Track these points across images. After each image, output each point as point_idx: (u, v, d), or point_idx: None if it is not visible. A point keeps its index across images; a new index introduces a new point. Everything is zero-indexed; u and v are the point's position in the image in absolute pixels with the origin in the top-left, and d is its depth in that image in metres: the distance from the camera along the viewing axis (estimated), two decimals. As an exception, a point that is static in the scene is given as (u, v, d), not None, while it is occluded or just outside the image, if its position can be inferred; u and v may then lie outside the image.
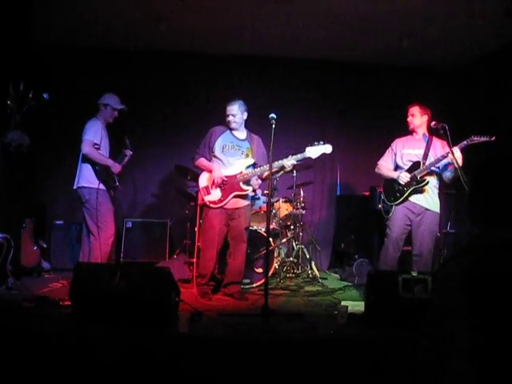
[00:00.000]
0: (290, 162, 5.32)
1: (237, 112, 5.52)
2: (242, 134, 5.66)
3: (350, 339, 3.98)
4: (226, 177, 5.45)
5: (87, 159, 5.50)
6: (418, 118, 5.58)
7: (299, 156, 5.31)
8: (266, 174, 5.43)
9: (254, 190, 6.92)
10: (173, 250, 7.30)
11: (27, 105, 5.00)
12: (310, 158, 5.33)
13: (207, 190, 5.48)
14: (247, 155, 5.61)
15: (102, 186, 5.53)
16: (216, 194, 5.45)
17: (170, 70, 7.97)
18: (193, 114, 7.74)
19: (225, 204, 5.45)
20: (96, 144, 5.53)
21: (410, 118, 5.63)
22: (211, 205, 5.45)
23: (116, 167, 5.62)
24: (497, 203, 1.77)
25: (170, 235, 7.38)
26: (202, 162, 5.55)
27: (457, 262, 1.72)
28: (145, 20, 6.79)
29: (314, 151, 5.28)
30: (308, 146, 5.31)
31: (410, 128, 5.65)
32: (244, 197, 5.61)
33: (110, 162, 5.60)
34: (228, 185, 5.45)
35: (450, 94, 8.38)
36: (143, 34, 7.30)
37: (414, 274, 4.34)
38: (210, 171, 5.49)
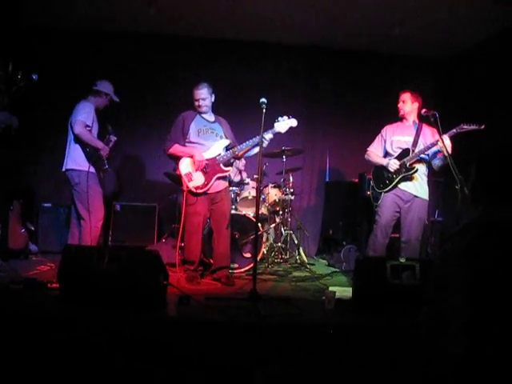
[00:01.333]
0: (266, 136, 5.36)
1: (206, 95, 5.52)
2: (210, 116, 5.69)
3: (337, 324, 3.99)
4: (207, 160, 5.45)
5: (78, 140, 5.46)
6: (408, 105, 5.59)
7: (269, 131, 5.38)
8: (242, 152, 5.56)
9: (241, 173, 6.96)
10: (161, 234, 7.30)
11: (15, 86, 4.94)
12: (279, 132, 5.45)
13: (190, 176, 5.44)
14: (221, 137, 5.63)
15: (92, 169, 5.50)
16: (199, 179, 5.43)
17: (159, 52, 7.91)
18: (181, 97, 7.70)
19: (209, 188, 5.45)
20: (88, 126, 5.50)
21: (400, 104, 5.64)
22: (197, 190, 5.42)
23: (105, 149, 5.58)
24: (498, 185, 1.88)
25: (158, 219, 7.37)
26: (178, 148, 5.50)
27: (459, 238, 1.78)
28: (134, 3, 6.73)
29: (281, 126, 5.43)
30: (275, 121, 5.40)
31: (400, 114, 5.66)
32: (225, 178, 5.64)
33: (100, 145, 5.56)
34: (210, 168, 5.45)
35: (440, 82, 8.43)
36: (132, 17, 7.24)
37: (402, 260, 4.36)
38: (191, 156, 5.46)
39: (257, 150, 5.56)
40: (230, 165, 5.69)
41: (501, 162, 1.89)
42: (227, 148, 5.60)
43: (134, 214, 7.38)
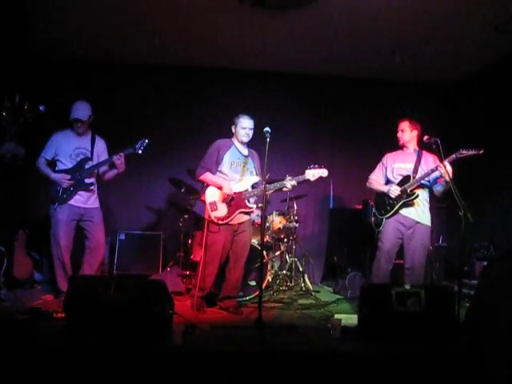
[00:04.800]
0: (291, 183, 5.46)
1: (253, 127, 5.59)
2: (245, 149, 5.68)
3: (344, 352, 3.99)
4: (234, 193, 5.47)
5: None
6: (407, 134, 5.64)
7: (300, 178, 5.47)
8: (268, 192, 5.57)
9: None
10: (166, 263, 7.30)
11: (23, 117, 5.01)
12: (308, 180, 5.48)
13: (215, 206, 5.44)
14: (251, 172, 5.65)
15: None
16: (223, 210, 5.43)
17: (165, 83, 8.01)
18: (187, 128, 7.79)
19: (230, 220, 5.45)
20: (46, 158, 5.67)
21: (399, 134, 5.69)
22: (218, 221, 5.42)
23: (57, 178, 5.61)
24: None
25: (163, 248, 7.37)
26: (208, 176, 5.50)
27: (502, 265, 1.76)
28: (140, 35, 6.84)
29: (312, 174, 5.45)
30: (307, 168, 5.45)
31: (400, 143, 5.71)
32: (247, 212, 5.63)
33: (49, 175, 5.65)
34: (235, 201, 5.45)
35: (441, 108, 8.48)
36: (139, 48, 7.35)
37: (407, 287, 4.36)
38: (219, 187, 5.48)
39: (279, 190, 5.64)
40: (254, 203, 5.68)
41: None
42: (254, 185, 5.62)
43: (138, 243, 7.39)
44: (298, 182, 5.51)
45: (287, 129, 7.87)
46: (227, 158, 5.52)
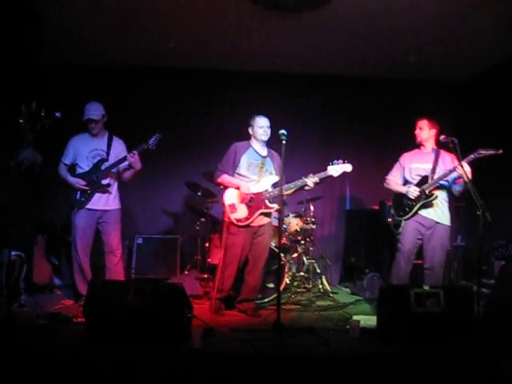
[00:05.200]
0: (312, 180, 5.40)
1: (269, 125, 5.58)
2: (264, 150, 5.68)
3: (363, 354, 3.99)
4: (253, 194, 5.47)
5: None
6: (425, 132, 5.62)
7: (322, 174, 5.41)
8: (287, 192, 5.51)
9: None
10: (183, 266, 7.32)
11: (39, 124, 5.05)
12: (331, 176, 5.42)
13: (234, 208, 5.45)
14: (270, 173, 5.64)
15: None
16: (242, 212, 5.44)
17: (178, 86, 8.03)
18: (201, 131, 7.80)
19: (251, 222, 5.45)
20: (65, 164, 5.73)
21: (417, 131, 5.67)
22: (238, 223, 5.43)
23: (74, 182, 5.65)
24: None
25: (180, 251, 7.40)
26: (226, 178, 5.52)
27: None
28: (153, 39, 6.88)
29: (335, 169, 5.40)
30: (329, 164, 5.41)
31: (418, 141, 5.69)
32: (268, 214, 5.62)
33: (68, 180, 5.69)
34: (254, 202, 5.44)
35: (458, 106, 8.42)
36: (152, 52, 7.38)
37: (426, 287, 4.35)
38: (238, 188, 5.48)
39: (302, 189, 5.62)
40: (274, 202, 5.58)
41: None
42: (275, 185, 5.57)
43: (156, 247, 7.42)
44: (321, 179, 5.45)
45: (303, 131, 7.86)
46: (244, 160, 5.53)
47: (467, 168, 5.18)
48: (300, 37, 6.83)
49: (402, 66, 7.61)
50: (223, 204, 5.52)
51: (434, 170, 5.53)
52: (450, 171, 5.31)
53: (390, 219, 5.92)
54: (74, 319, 4.69)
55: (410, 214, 5.52)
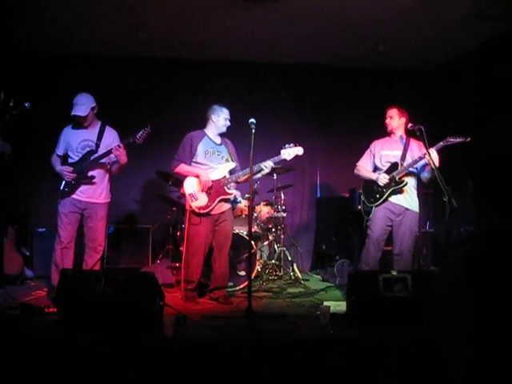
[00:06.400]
0: (267, 164, 5.47)
1: None
2: (218, 138, 5.76)
3: (333, 338, 4.04)
4: (212, 181, 5.51)
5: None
6: (395, 120, 5.70)
7: (276, 158, 5.53)
8: (245, 177, 5.59)
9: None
10: (156, 255, 7.32)
11: (8, 114, 4.99)
12: (285, 159, 5.56)
13: (194, 196, 5.50)
14: (227, 160, 5.70)
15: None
16: (203, 199, 5.49)
17: (150, 75, 8.02)
18: (173, 119, 7.78)
19: (212, 209, 5.50)
20: (57, 154, 5.59)
21: (388, 120, 5.75)
22: (200, 210, 5.47)
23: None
24: (497, 194, 1.87)
25: (152, 240, 7.40)
26: (184, 167, 5.56)
27: (457, 250, 1.80)
28: (124, 28, 6.83)
29: (287, 153, 5.53)
30: (282, 148, 5.52)
31: (389, 129, 5.77)
32: (227, 200, 5.69)
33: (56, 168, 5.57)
34: (214, 189, 5.51)
35: (426, 94, 8.53)
36: (123, 42, 7.34)
37: (394, 273, 4.41)
38: (196, 176, 5.52)
39: (256, 176, 5.69)
40: (233, 188, 5.75)
41: (497, 170, 1.90)
42: (232, 171, 5.68)
43: (128, 236, 7.41)
44: (276, 163, 5.57)
45: (272, 119, 7.90)
46: (201, 148, 5.59)
47: (435, 155, 5.27)
48: (269, 25, 6.85)
49: (372, 54, 7.68)
50: (183, 194, 5.57)
51: (403, 157, 5.61)
52: (420, 158, 5.40)
53: (360, 206, 5.99)
54: (45, 309, 4.67)
55: (381, 200, 5.60)
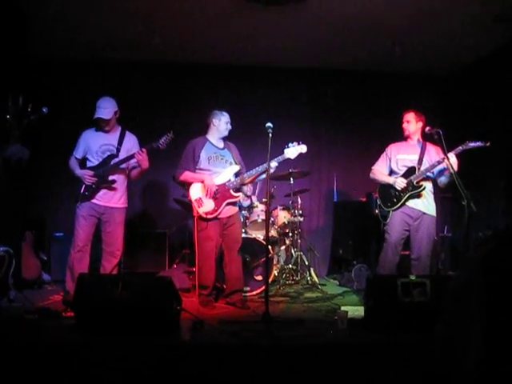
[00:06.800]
0: (272, 164, 5.42)
1: None
2: (220, 143, 5.77)
3: (350, 344, 4.02)
4: (217, 186, 5.53)
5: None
6: (413, 124, 5.66)
7: (280, 158, 5.51)
8: (250, 179, 5.66)
9: (250, 197, 7.02)
10: (172, 260, 7.33)
11: (26, 119, 5.03)
12: (289, 158, 5.54)
13: (201, 202, 5.51)
14: (231, 163, 5.72)
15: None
16: (210, 204, 5.50)
17: (167, 80, 8.03)
18: (189, 124, 7.79)
19: (219, 213, 5.51)
20: (76, 157, 5.59)
21: (405, 125, 5.71)
22: (208, 216, 5.48)
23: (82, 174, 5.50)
24: None
25: (169, 245, 7.40)
26: (189, 174, 5.59)
27: (478, 251, 1.78)
28: (139, 34, 6.86)
29: (291, 152, 5.52)
30: (285, 147, 5.51)
31: (406, 134, 5.73)
32: (235, 203, 5.71)
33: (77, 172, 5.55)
34: (220, 193, 5.52)
35: (443, 99, 8.48)
36: (138, 47, 7.36)
37: (413, 277, 4.38)
38: (201, 182, 5.54)
39: (263, 176, 5.67)
40: (240, 190, 5.78)
41: None
42: (237, 174, 5.69)
43: (145, 241, 7.40)
44: (279, 162, 5.53)
45: (289, 124, 7.88)
46: (204, 154, 5.61)
47: (454, 159, 5.23)
48: (285, 29, 6.83)
49: (389, 58, 7.63)
50: (190, 200, 5.58)
51: (420, 162, 5.58)
52: (438, 162, 5.36)
53: (377, 211, 5.95)
54: (62, 313, 4.69)
55: (398, 204, 5.56)
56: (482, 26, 6.47)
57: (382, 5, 6.06)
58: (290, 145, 5.50)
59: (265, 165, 5.39)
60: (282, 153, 5.50)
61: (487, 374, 1.65)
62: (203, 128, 5.79)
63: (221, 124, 5.69)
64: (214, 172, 5.61)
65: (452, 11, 6.17)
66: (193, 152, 5.62)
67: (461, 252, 7.17)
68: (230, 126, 5.74)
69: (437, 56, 7.68)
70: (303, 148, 5.55)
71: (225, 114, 5.73)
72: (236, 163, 5.76)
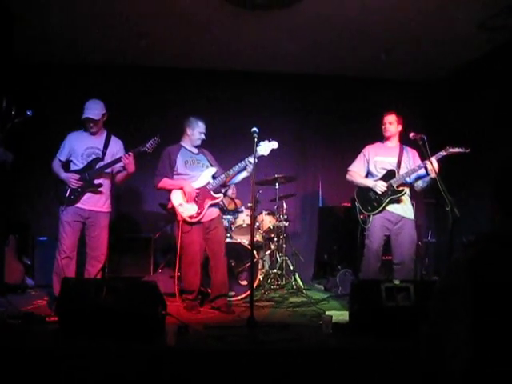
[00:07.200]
0: (250, 159, 5.44)
1: None
2: (194, 149, 5.80)
3: (335, 348, 4.03)
4: (197, 189, 5.55)
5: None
6: (394, 126, 5.66)
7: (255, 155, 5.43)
8: (228, 178, 5.68)
9: (234, 200, 7.03)
10: (157, 265, 7.31)
11: (10, 122, 5.00)
12: (262, 155, 5.51)
13: (183, 207, 5.52)
14: (207, 166, 5.75)
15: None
16: (192, 208, 5.52)
17: (154, 84, 8.06)
18: (174, 129, 7.78)
19: (202, 216, 5.53)
20: (60, 160, 5.51)
21: (387, 126, 5.70)
22: (192, 219, 5.49)
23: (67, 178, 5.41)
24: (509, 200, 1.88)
25: (154, 249, 7.38)
26: (167, 181, 5.59)
27: (464, 254, 1.80)
28: (126, 37, 6.86)
29: (264, 149, 5.51)
30: (256, 146, 5.40)
31: (387, 135, 5.72)
32: (216, 205, 5.73)
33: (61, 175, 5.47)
34: (201, 196, 5.55)
35: (426, 105, 8.55)
36: (124, 51, 7.37)
37: (397, 282, 4.40)
38: (181, 188, 5.54)
39: (243, 175, 5.70)
40: (220, 192, 5.77)
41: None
42: (214, 176, 5.70)
43: (129, 246, 7.37)
44: (255, 159, 5.38)
45: (275, 128, 7.87)
46: (180, 159, 5.64)
47: (435, 164, 5.25)
48: (271, 35, 6.87)
49: (374, 64, 7.69)
50: (173, 206, 5.57)
51: (399, 165, 5.59)
52: (419, 167, 5.38)
53: (362, 215, 5.96)
54: (46, 318, 4.66)
55: (379, 208, 5.54)
56: (465, 33, 6.54)
57: (368, 11, 6.10)
58: (261, 143, 5.43)
59: (242, 163, 5.50)
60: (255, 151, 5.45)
61: (474, 374, 1.67)
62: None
63: (194, 134, 5.71)
64: (192, 176, 5.63)
65: (436, 19, 6.23)
66: (168, 158, 5.63)
67: (445, 257, 7.21)
68: (203, 136, 5.74)
69: (421, 63, 7.77)
70: (274, 144, 5.56)
71: (200, 123, 5.72)
72: (212, 166, 5.79)
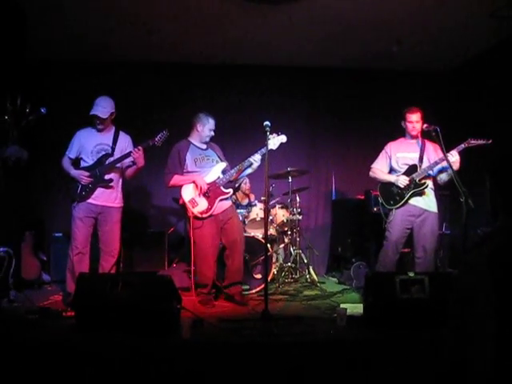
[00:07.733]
0: (256, 157, 5.55)
1: None
2: (202, 144, 5.80)
3: (350, 341, 4.04)
4: (208, 184, 5.57)
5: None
6: (420, 124, 5.58)
7: (262, 150, 5.50)
8: (237, 174, 5.72)
9: (248, 195, 7.04)
10: (171, 259, 7.35)
11: (25, 120, 5.04)
12: (271, 149, 5.48)
13: (194, 202, 5.54)
14: (217, 161, 5.77)
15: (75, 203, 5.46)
16: (203, 204, 5.54)
17: (161, 79, 8.04)
18: (183, 123, 7.80)
19: (213, 211, 5.55)
20: (69, 157, 5.56)
21: (414, 125, 5.60)
22: (203, 215, 5.52)
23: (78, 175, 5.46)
24: None
25: (168, 244, 7.41)
26: (177, 178, 5.60)
27: (480, 251, 1.78)
28: (137, 33, 6.87)
29: (273, 143, 5.50)
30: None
31: (414, 134, 5.65)
32: (227, 198, 5.74)
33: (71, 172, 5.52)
34: (211, 192, 5.57)
35: (441, 96, 8.47)
36: (136, 47, 7.38)
37: (411, 274, 4.39)
38: (193, 182, 5.57)
39: (248, 171, 5.75)
40: (230, 187, 5.77)
41: None
42: (224, 171, 5.73)
43: (143, 241, 7.40)
44: (263, 154, 5.49)
45: (287, 122, 7.86)
46: (189, 157, 5.65)
47: (457, 157, 5.24)
48: (282, 28, 6.84)
49: (386, 56, 7.64)
50: (184, 202, 5.59)
51: (421, 159, 5.59)
52: (441, 160, 5.36)
53: (375, 209, 5.95)
54: (63, 313, 4.71)
55: (401, 202, 5.55)
56: (478, 22, 6.48)
57: (379, 2, 6.07)
58: (269, 136, 5.37)
59: (249, 159, 5.54)
60: (264, 145, 5.41)
61: (500, 374, 1.65)
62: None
63: (204, 130, 5.71)
64: (202, 172, 5.65)
65: (448, 8, 6.18)
66: (178, 155, 5.64)
67: (459, 249, 7.18)
68: (212, 133, 5.75)
69: (434, 53, 7.70)
70: (283, 138, 5.57)
71: (210, 120, 5.73)
72: (222, 161, 5.81)
